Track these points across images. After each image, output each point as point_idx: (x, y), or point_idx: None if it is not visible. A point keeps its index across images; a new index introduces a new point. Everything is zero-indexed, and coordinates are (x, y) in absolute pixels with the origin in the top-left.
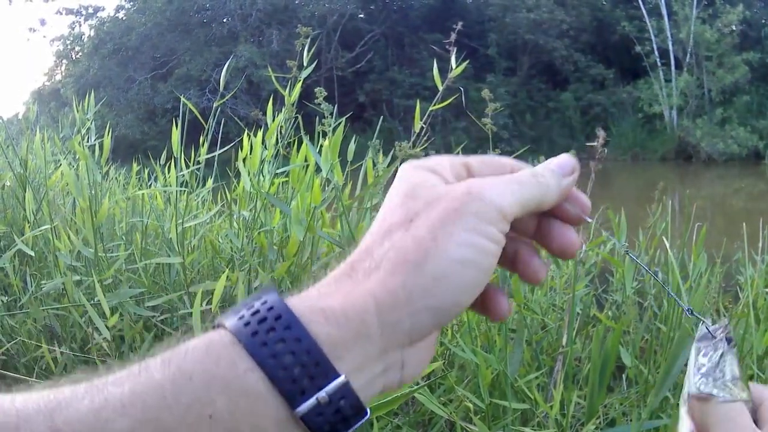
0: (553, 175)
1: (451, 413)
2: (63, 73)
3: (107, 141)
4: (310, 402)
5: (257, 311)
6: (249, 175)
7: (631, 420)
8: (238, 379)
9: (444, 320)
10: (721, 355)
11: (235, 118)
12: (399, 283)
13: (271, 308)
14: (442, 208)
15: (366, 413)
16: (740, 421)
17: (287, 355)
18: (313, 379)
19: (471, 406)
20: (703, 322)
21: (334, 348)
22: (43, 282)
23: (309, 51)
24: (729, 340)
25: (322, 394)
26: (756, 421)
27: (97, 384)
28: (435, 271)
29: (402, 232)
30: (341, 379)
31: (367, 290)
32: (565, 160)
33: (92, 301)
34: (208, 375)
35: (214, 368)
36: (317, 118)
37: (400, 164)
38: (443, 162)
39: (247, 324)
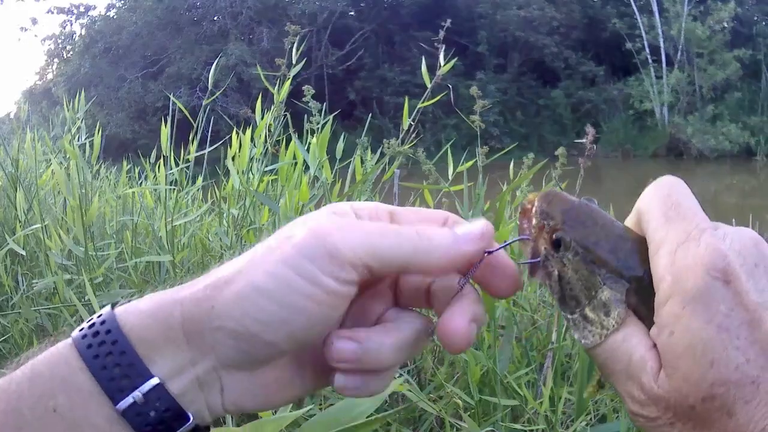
0: (445, 236)
1: (440, 410)
2: (54, 72)
3: (98, 140)
4: (128, 400)
5: (91, 320)
6: (238, 173)
7: (620, 416)
8: (73, 377)
9: (250, 350)
10: (559, 278)
11: (225, 117)
12: (206, 295)
13: (100, 315)
14: (289, 241)
15: (188, 418)
16: (616, 359)
17: (108, 356)
18: (129, 378)
19: (460, 402)
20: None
21: (146, 350)
22: (34, 281)
23: (298, 49)
24: (558, 244)
25: (138, 393)
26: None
27: None
28: (237, 291)
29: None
30: (154, 380)
31: (178, 298)
32: (476, 226)
33: (83, 300)
34: (52, 372)
35: (56, 367)
36: (306, 116)
37: (389, 162)
38: (364, 206)
39: (81, 329)
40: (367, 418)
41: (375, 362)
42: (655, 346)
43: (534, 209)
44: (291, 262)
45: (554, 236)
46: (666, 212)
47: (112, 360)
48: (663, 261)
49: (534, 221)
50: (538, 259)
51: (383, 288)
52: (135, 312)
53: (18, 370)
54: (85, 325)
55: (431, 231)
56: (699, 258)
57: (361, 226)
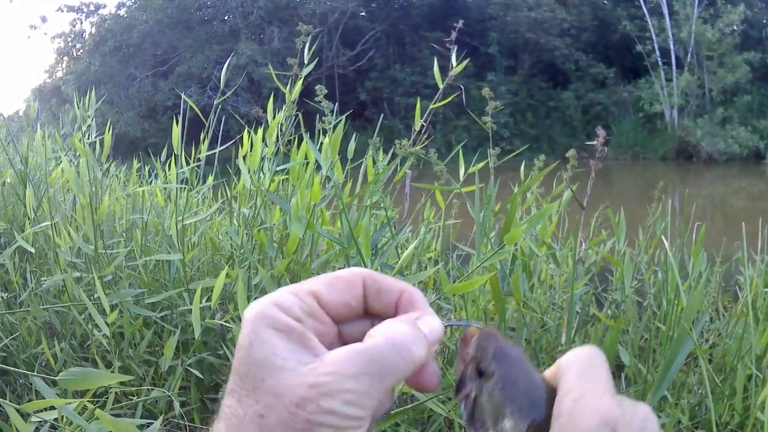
0: (423, 343)
1: (449, 411)
2: (64, 71)
3: (108, 138)
4: None
5: None
6: (249, 172)
7: None
8: None
9: None
10: (474, 401)
11: (236, 116)
12: None
13: None
14: (290, 418)
15: None
16: None
17: None
18: None
19: None
20: None
21: None
22: (43, 278)
23: (310, 49)
24: (481, 373)
25: None
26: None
27: None
28: None
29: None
30: None
31: None
32: (437, 326)
33: (92, 298)
34: None
35: None
36: (318, 115)
37: (400, 163)
38: (288, 302)
39: None
40: None
41: None
42: None
43: (474, 340)
44: None
45: (481, 365)
46: (582, 372)
47: None
48: (565, 404)
49: (470, 349)
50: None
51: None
52: None
53: None
54: None
55: (414, 347)
56: (597, 409)
57: (354, 374)
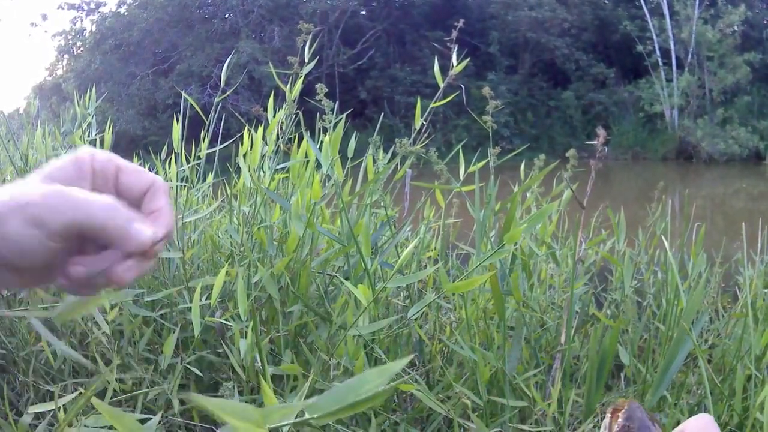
0: (128, 220)
1: (449, 410)
2: (64, 68)
3: (108, 136)
4: None
5: None
6: (249, 170)
7: None
8: None
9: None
10: None
11: (236, 114)
12: None
13: None
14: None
15: None
16: None
17: None
18: None
19: (469, 403)
20: None
21: None
22: None
23: (310, 47)
24: None
25: None
26: None
27: None
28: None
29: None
30: None
31: None
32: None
33: None
34: None
35: None
36: (318, 114)
37: (400, 162)
38: (99, 157)
39: None
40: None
41: None
42: None
43: (623, 411)
44: (20, 231)
45: None
46: None
47: None
48: None
49: (620, 419)
50: None
51: None
52: None
53: None
54: None
55: (121, 218)
56: None
57: (74, 201)
